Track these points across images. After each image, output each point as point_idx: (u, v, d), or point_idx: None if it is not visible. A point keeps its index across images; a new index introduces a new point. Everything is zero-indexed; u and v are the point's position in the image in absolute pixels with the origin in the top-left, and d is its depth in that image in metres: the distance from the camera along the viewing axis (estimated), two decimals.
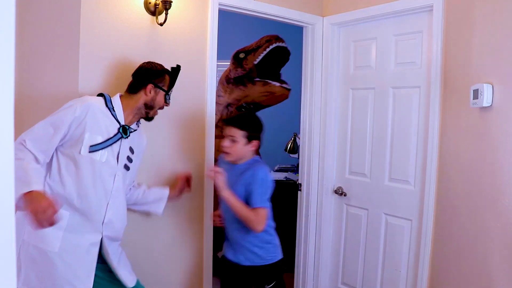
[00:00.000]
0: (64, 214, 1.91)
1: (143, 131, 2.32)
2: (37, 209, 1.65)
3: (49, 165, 1.96)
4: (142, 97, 2.12)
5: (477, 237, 2.16)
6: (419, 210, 2.78)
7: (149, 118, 2.20)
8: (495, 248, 1.98)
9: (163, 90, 2.15)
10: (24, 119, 2.16)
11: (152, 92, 2.13)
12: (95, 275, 2.02)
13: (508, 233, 1.89)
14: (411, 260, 2.85)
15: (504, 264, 1.90)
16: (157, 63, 2.21)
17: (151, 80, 2.13)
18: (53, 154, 1.96)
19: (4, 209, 0.64)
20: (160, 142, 2.55)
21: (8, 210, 0.65)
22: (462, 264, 2.33)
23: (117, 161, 2.06)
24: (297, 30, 3.45)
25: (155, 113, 2.20)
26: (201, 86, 2.72)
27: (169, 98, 2.20)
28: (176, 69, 2.24)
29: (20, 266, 1.89)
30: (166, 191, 2.44)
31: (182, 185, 2.52)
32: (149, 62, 2.20)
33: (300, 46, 3.40)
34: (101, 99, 2.07)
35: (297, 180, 3.58)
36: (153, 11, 2.44)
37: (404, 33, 2.87)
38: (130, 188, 2.33)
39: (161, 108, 2.21)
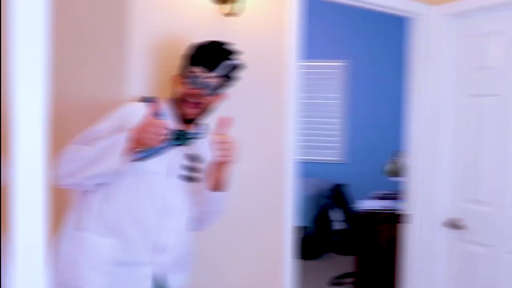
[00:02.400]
0: (105, 243, 1.79)
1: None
2: (139, 130, 1.63)
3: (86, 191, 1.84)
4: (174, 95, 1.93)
5: None
6: None
7: (187, 120, 1.87)
8: None
9: (179, 75, 1.88)
10: (65, 127, 2.06)
11: (173, 85, 1.91)
12: None
13: None
14: None
15: None
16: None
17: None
18: None
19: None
20: None
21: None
22: None
23: (167, 171, 1.84)
24: (400, 22, 3.24)
25: (187, 111, 1.85)
26: (279, 88, 2.53)
27: (193, 82, 1.84)
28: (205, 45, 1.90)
29: None
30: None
31: (212, 169, 1.97)
32: None
33: (403, 42, 3.20)
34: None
35: (395, 209, 3.28)
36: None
37: None
38: None
39: (190, 97, 1.84)
